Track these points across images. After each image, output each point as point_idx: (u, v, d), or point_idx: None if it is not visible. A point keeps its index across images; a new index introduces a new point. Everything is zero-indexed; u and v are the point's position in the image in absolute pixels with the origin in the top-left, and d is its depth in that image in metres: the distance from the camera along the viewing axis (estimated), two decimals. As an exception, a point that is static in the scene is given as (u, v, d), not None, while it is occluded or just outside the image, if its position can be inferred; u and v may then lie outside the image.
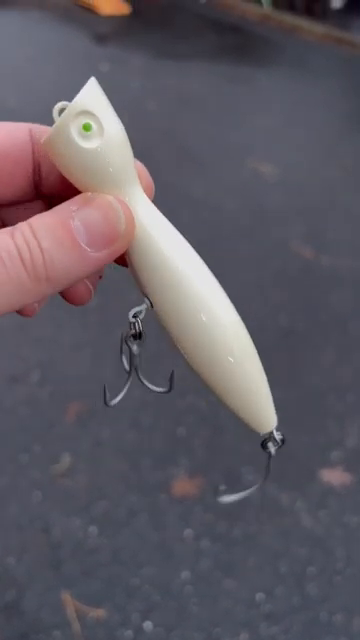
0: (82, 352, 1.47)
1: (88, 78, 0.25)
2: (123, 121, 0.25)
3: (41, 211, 0.28)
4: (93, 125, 0.24)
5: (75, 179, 0.25)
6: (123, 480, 1.20)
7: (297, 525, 1.17)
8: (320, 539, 1.16)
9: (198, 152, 2.49)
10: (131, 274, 0.27)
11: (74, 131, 0.23)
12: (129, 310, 0.28)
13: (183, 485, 1.21)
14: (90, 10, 4.04)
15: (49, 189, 0.27)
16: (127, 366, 0.31)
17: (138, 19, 4.08)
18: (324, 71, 3.80)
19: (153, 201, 0.27)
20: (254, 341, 0.28)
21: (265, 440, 0.30)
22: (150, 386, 0.31)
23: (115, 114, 0.25)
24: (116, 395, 0.32)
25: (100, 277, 0.30)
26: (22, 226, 0.23)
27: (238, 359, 0.27)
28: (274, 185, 2.37)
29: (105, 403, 0.32)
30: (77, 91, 0.24)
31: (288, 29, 4.51)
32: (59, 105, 0.25)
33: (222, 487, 0.34)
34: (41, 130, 0.27)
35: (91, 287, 0.29)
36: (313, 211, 2.24)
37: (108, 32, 3.72)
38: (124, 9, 4.17)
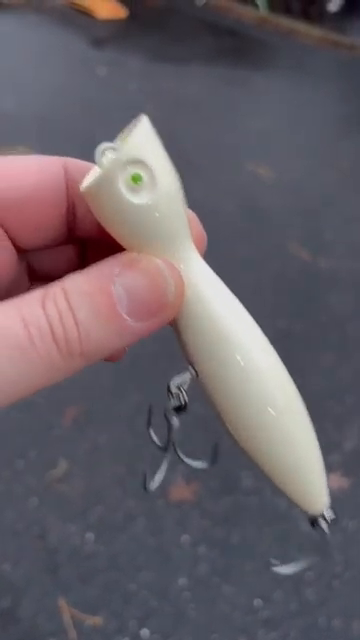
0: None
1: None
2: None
3: (73, 255, 0.26)
4: (144, 176, 0.20)
5: (119, 235, 0.21)
6: (120, 485, 1.20)
7: (295, 530, 1.17)
8: (318, 544, 1.15)
9: (196, 155, 2.49)
10: (176, 338, 0.24)
11: (122, 183, 0.20)
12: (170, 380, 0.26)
13: (180, 490, 1.20)
14: (87, 14, 4.04)
15: (84, 233, 0.24)
16: (158, 442, 0.28)
17: (135, 22, 4.08)
18: (321, 74, 3.81)
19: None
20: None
21: (314, 519, 0.27)
22: (190, 462, 0.29)
23: (169, 161, 0.22)
24: (151, 477, 0.29)
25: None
26: (55, 292, 0.20)
27: (295, 440, 0.25)
28: (272, 187, 2.36)
29: (145, 489, 0.29)
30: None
31: (285, 32, 4.52)
32: (103, 146, 0.21)
33: (275, 561, 0.31)
34: (77, 166, 0.23)
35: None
36: (311, 213, 2.24)
37: (105, 36, 3.73)
38: (121, 13, 4.18)
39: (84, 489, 1.18)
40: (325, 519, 0.27)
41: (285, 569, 0.29)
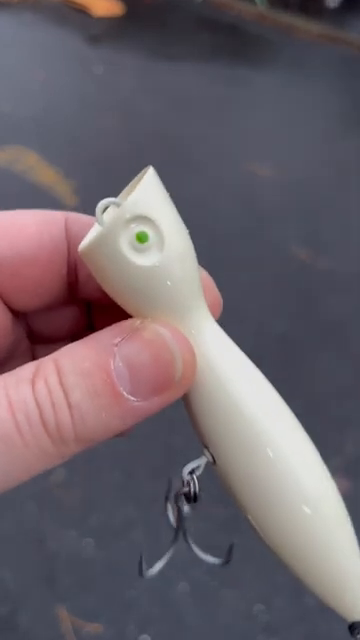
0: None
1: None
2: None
3: (76, 318, 0.23)
4: (150, 235, 0.18)
5: (121, 300, 0.19)
6: (119, 491, 1.19)
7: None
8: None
9: (194, 153, 2.47)
10: (189, 417, 0.21)
11: (125, 242, 0.18)
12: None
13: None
14: (83, 11, 4.01)
15: (87, 295, 0.22)
16: (172, 518, 0.25)
17: (132, 20, 4.06)
18: (320, 70, 3.79)
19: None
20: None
21: (355, 627, 0.24)
22: (203, 556, 0.26)
23: (178, 217, 0.19)
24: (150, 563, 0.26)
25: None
26: (46, 368, 0.18)
27: (332, 541, 0.22)
28: (271, 186, 2.35)
29: (140, 574, 0.26)
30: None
31: (284, 28, 4.50)
32: (104, 202, 0.18)
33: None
34: (80, 222, 0.21)
35: None
36: (311, 212, 2.23)
37: (101, 33, 3.71)
38: (117, 10, 4.15)
39: (83, 495, 1.17)
40: None
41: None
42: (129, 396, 0.18)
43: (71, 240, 0.21)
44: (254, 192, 2.30)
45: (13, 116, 2.46)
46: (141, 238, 0.18)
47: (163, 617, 1.02)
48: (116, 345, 0.18)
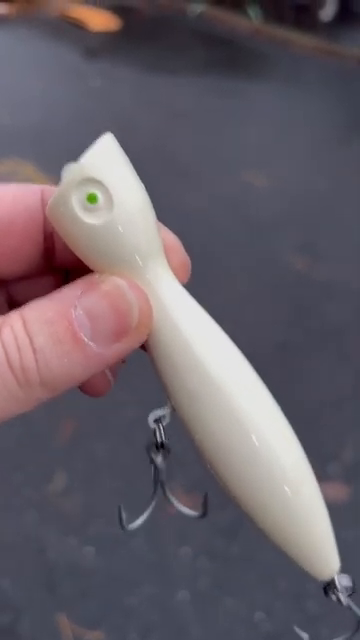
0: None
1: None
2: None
3: (54, 285, 0.24)
4: (100, 196, 0.19)
5: (82, 256, 0.20)
6: (119, 498, 1.19)
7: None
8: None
9: (190, 165, 2.50)
10: (152, 367, 0.22)
11: (76, 203, 0.19)
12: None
13: (180, 502, 1.20)
14: (80, 26, 4.07)
15: (63, 262, 0.23)
16: (159, 463, 0.26)
17: (128, 34, 4.11)
18: (315, 83, 3.84)
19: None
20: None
21: (327, 587, 0.24)
22: (181, 507, 0.26)
23: (133, 178, 0.20)
24: (132, 516, 0.26)
25: (123, 361, 0.24)
26: (13, 318, 0.19)
27: (289, 485, 0.22)
28: (267, 197, 2.38)
29: (122, 527, 0.26)
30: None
31: (279, 42, 4.56)
32: (69, 166, 0.20)
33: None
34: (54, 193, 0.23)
35: (111, 377, 0.25)
36: (307, 222, 2.25)
37: (98, 47, 3.75)
38: (114, 24, 4.21)
39: (83, 503, 1.17)
40: (337, 587, 0.24)
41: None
42: (90, 342, 0.19)
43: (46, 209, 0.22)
44: (250, 202, 2.32)
45: (10, 129, 2.49)
46: (91, 199, 0.19)
47: (164, 625, 1.02)
48: (77, 297, 0.19)
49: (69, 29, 4.03)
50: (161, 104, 3.05)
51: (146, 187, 0.22)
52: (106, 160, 0.19)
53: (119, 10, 4.49)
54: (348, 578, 0.24)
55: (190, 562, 1.11)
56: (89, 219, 0.19)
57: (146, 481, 1.11)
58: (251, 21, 4.85)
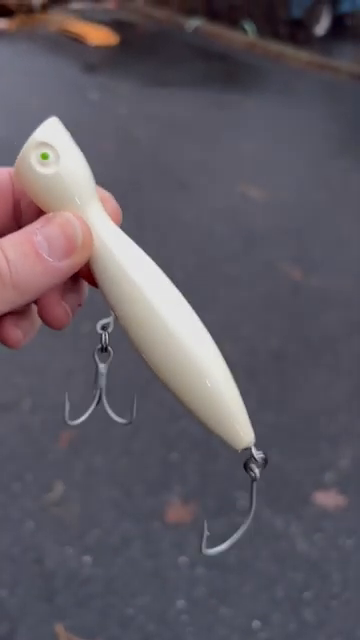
0: (74, 379, 1.47)
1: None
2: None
3: None
4: (50, 154, 0.27)
5: (39, 202, 0.28)
6: (116, 507, 1.19)
7: (292, 549, 1.17)
8: (316, 563, 1.15)
9: (187, 177, 2.53)
10: (99, 289, 0.29)
11: (33, 160, 0.27)
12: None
13: (177, 511, 1.20)
14: (79, 40, 4.12)
15: (27, 222, 0.30)
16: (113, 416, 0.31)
17: (126, 48, 4.16)
18: (309, 96, 3.89)
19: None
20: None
21: (247, 461, 0.29)
22: (113, 415, 0.32)
23: (74, 146, 0.28)
24: (80, 414, 0.32)
25: (79, 305, 0.31)
26: None
27: (198, 364, 0.28)
28: (262, 208, 2.40)
29: (65, 420, 0.33)
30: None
31: (273, 56, 4.62)
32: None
33: (207, 533, 0.31)
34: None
35: (69, 311, 0.31)
36: (301, 233, 2.27)
37: (97, 62, 3.80)
38: (112, 39, 4.26)
39: (80, 512, 1.18)
40: (255, 458, 0.29)
41: (216, 549, 0.30)
42: (48, 257, 0.26)
43: (14, 184, 0.30)
44: (246, 213, 2.34)
45: (10, 142, 2.51)
46: (44, 156, 0.27)
47: (161, 635, 1.02)
48: (38, 228, 0.27)
49: (68, 44, 4.08)
50: (159, 117, 3.08)
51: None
52: (54, 131, 0.27)
53: (117, 25, 4.55)
54: (262, 452, 0.29)
55: (187, 571, 1.11)
56: (43, 171, 0.27)
57: (142, 490, 1.13)
58: (246, 36, 4.92)
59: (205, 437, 1.35)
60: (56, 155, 0.27)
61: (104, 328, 0.30)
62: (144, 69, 3.78)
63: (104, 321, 0.29)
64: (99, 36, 4.22)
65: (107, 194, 0.31)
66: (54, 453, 1.28)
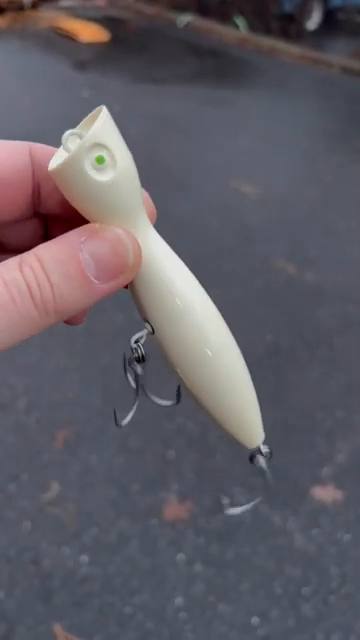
0: (69, 378, 1.46)
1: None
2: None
3: (36, 230, 0.29)
4: (106, 158, 0.23)
5: (84, 210, 0.24)
6: (113, 506, 1.19)
7: (290, 545, 1.16)
8: (314, 558, 1.15)
9: (180, 174, 2.52)
10: (133, 299, 0.28)
11: (87, 164, 0.23)
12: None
13: (174, 509, 1.20)
14: (70, 38, 4.10)
15: (48, 210, 0.27)
16: (133, 384, 0.31)
17: (117, 45, 4.15)
18: (301, 91, 3.88)
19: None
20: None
21: (253, 453, 0.31)
22: (158, 400, 0.32)
23: (126, 145, 0.25)
24: (122, 414, 0.33)
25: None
26: (30, 259, 0.23)
27: (230, 377, 0.28)
28: (256, 204, 2.39)
29: (116, 424, 0.33)
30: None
31: (265, 51, 4.61)
32: (68, 133, 0.24)
33: (226, 500, 0.34)
34: (42, 150, 0.26)
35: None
36: (295, 228, 2.27)
37: (88, 59, 3.78)
38: (103, 36, 4.24)
39: (77, 511, 1.17)
40: (262, 453, 0.31)
41: (235, 510, 0.33)
42: (94, 280, 0.23)
43: (35, 164, 0.26)
44: (240, 209, 2.34)
45: (2, 140, 2.50)
46: (99, 160, 0.23)
47: (160, 632, 1.02)
48: (82, 242, 0.23)
49: (59, 41, 4.06)
50: (151, 114, 3.07)
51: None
52: (109, 129, 0.24)
53: (108, 22, 4.53)
54: (267, 447, 0.31)
55: (185, 569, 1.11)
56: (98, 177, 0.23)
57: (139, 488, 1.13)
58: (238, 31, 4.91)
59: (201, 434, 1.34)
60: (112, 158, 0.24)
61: (137, 341, 0.29)
62: (136, 66, 3.76)
63: (137, 335, 0.28)
64: (90, 33, 4.20)
65: (145, 193, 0.27)
66: (50, 453, 1.27)
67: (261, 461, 0.31)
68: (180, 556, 1.12)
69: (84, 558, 1.10)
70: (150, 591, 1.07)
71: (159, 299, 0.26)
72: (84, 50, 3.93)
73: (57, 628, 1.00)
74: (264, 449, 0.31)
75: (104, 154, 0.23)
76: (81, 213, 0.25)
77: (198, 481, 1.26)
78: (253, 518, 1.19)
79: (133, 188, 0.24)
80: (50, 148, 0.26)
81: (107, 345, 1.54)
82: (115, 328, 1.57)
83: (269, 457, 0.31)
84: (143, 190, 0.26)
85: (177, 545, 1.14)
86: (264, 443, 0.31)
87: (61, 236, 0.24)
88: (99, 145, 0.23)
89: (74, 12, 4.67)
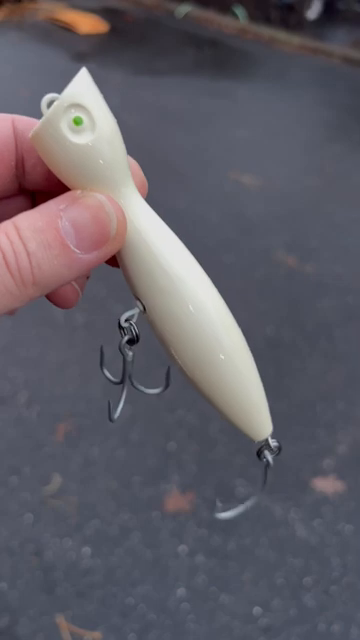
0: (69, 371, 1.46)
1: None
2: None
3: (24, 207, 0.27)
4: (84, 119, 0.22)
5: (64, 175, 0.23)
6: (114, 498, 1.19)
7: (292, 536, 1.17)
8: (315, 549, 1.15)
9: (180, 166, 2.51)
10: (123, 276, 0.26)
11: (64, 125, 0.22)
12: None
13: (175, 501, 1.20)
14: (68, 29, 4.07)
15: (33, 184, 0.26)
16: (113, 379, 0.30)
17: (116, 37, 4.12)
18: (302, 81, 3.85)
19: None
20: None
21: (261, 448, 0.29)
22: (145, 390, 0.31)
23: (107, 107, 0.23)
24: (115, 409, 0.31)
25: (87, 277, 0.28)
26: (7, 226, 0.21)
27: (230, 358, 0.26)
28: (256, 195, 2.38)
29: (110, 419, 0.31)
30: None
31: (265, 41, 4.57)
32: (48, 97, 0.23)
33: (219, 503, 0.32)
34: (25, 122, 0.25)
35: (78, 289, 0.28)
36: (295, 220, 2.26)
37: (87, 50, 3.75)
38: (102, 27, 4.21)
39: (79, 504, 1.17)
40: (270, 447, 0.29)
41: (227, 514, 0.31)
42: (75, 249, 0.22)
43: (18, 136, 0.25)
44: (240, 201, 2.33)
45: None
46: (77, 121, 0.22)
47: (162, 623, 1.02)
48: (62, 210, 0.22)
49: (57, 32, 4.03)
50: (150, 105, 3.05)
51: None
52: (87, 89, 0.22)
53: (107, 13, 4.49)
54: (276, 441, 0.29)
55: (187, 560, 1.11)
56: (76, 139, 0.22)
57: (140, 480, 1.13)
58: (237, 21, 4.87)
59: (202, 426, 1.35)
60: (91, 120, 0.22)
61: (129, 320, 0.27)
62: (134, 57, 3.74)
63: (128, 313, 0.26)
64: (88, 24, 4.17)
65: (133, 162, 0.25)
66: (51, 445, 1.27)
67: (268, 457, 0.29)
68: (182, 547, 1.13)
69: (86, 550, 1.10)
70: (152, 582, 1.07)
71: (148, 274, 0.24)
72: (83, 41, 3.90)
73: (60, 619, 1.01)
74: (273, 443, 0.29)
75: (82, 115, 0.22)
76: (63, 181, 0.23)
77: (199, 472, 1.26)
78: (255, 509, 1.20)
79: (115, 151, 0.23)
80: (34, 120, 0.25)
81: (107, 338, 1.54)
82: (115, 321, 1.57)
83: (277, 453, 0.29)
84: (133, 160, 0.25)
85: (179, 536, 1.14)
86: (272, 437, 0.29)
87: (42, 204, 0.22)
88: (76, 105, 0.22)
89: (72, 3, 4.64)
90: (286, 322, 1.72)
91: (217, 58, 4.08)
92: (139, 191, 0.25)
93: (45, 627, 1.00)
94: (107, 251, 0.23)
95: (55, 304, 0.27)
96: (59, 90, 0.23)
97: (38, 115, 0.25)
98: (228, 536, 1.15)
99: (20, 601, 1.02)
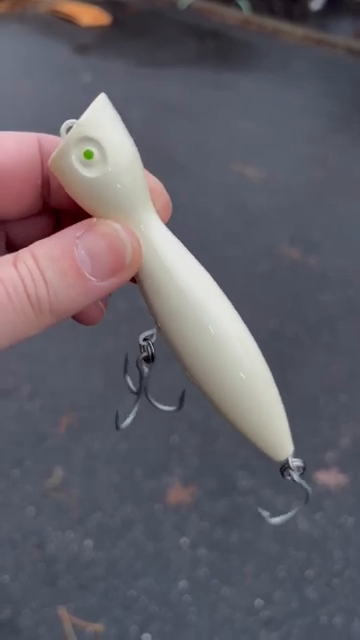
0: (72, 364, 1.46)
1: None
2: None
3: (48, 226, 0.28)
4: (95, 152, 0.22)
5: (81, 203, 0.23)
6: (117, 491, 1.19)
7: (294, 529, 1.17)
8: (317, 542, 1.15)
9: (182, 158, 2.49)
10: (142, 297, 0.26)
11: (75, 158, 0.22)
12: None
13: (177, 493, 1.20)
14: (70, 21, 4.04)
15: (58, 204, 0.26)
16: (133, 387, 0.30)
17: (118, 28, 4.09)
18: (305, 72, 3.82)
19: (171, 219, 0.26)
20: None
21: (283, 466, 0.29)
22: (159, 406, 0.31)
23: (125, 135, 0.23)
24: (124, 418, 0.32)
25: (110, 294, 0.28)
26: (24, 255, 0.22)
27: (251, 378, 0.26)
28: (259, 188, 2.37)
29: (117, 427, 0.32)
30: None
31: (268, 32, 4.54)
32: (67, 123, 0.23)
33: (265, 513, 0.32)
34: (51, 141, 0.25)
35: (102, 306, 0.28)
36: (299, 212, 2.25)
37: (89, 42, 3.73)
38: (104, 19, 4.18)
39: (81, 496, 1.18)
40: (290, 467, 0.29)
41: (276, 520, 0.31)
42: (90, 277, 0.22)
43: (43, 155, 0.25)
44: (243, 194, 2.32)
45: (1, 126, 2.48)
46: (87, 155, 0.22)
47: (164, 615, 1.03)
48: (78, 237, 0.22)
49: (59, 24, 4.00)
50: (153, 97, 3.03)
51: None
52: (101, 119, 0.22)
53: (109, 4, 4.46)
54: (300, 460, 0.29)
55: (189, 552, 1.11)
56: (86, 173, 0.22)
57: (142, 473, 1.12)
58: (240, 12, 4.83)
59: (205, 418, 1.34)
60: (102, 154, 0.22)
61: (147, 339, 0.27)
62: (137, 49, 3.71)
63: (147, 333, 0.27)
64: (90, 16, 4.14)
65: (157, 183, 0.26)
66: (53, 438, 1.28)
67: (293, 475, 0.29)
68: (184, 540, 1.13)
69: (88, 542, 1.10)
70: (154, 575, 1.07)
71: (165, 298, 0.25)
72: (85, 33, 3.88)
73: (62, 611, 1.01)
74: (295, 462, 0.29)
75: (93, 148, 0.22)
76: (81, 207, 0.23)
77: (202, 465, 1.26)
78: (256, 502, 1.20)
79: (131, 181, 0.23)
80: (59, 139, 0.25)
81: (110, 332, 1.54)
82: (118, 315, 1.57)
83: (302, 472, 0.29)
84: (156, 180, 0.25)
85: (181, 529, 1.14)
86: (295, 456, 0.29)
87: (59, 232, 0.23)
88: (88, 139, 0.22)
89: (74, -5, 4.60)
90: (289, 315, 1.72)
91: (220, 49, 4.05)
92: (163, 211, 0.25)
93: (47, 619, 1.00)
94: (123, 278, 0.24)
95: (79, 322, 0.28)
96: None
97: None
98: (230, 529, 1.15)
99: (22, 593, 1.03)
